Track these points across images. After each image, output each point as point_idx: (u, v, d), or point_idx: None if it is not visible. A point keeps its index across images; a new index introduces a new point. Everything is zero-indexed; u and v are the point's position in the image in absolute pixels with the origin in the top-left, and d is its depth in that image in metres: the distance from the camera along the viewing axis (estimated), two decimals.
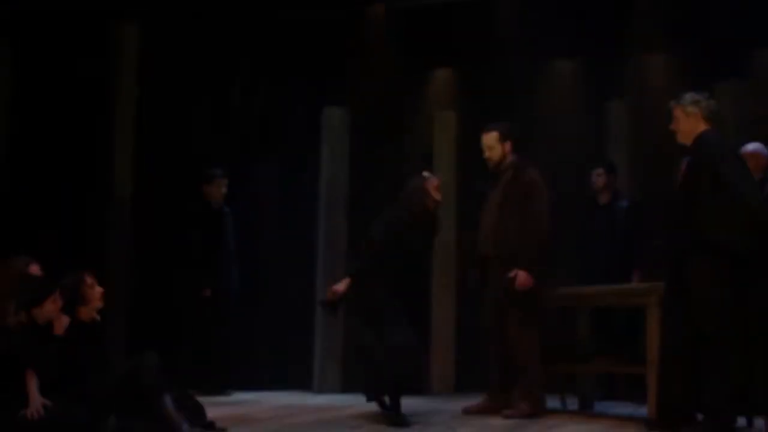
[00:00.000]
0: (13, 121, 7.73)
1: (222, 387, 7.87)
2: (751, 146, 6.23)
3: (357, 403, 6.83)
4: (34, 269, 5.72)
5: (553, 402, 6.96)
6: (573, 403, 7.07)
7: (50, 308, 5.33)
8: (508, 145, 6.50)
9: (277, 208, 9.60)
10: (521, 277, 6.21)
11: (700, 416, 5.29)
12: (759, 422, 5.61)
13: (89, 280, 5.59)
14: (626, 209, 7.51)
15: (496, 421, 6.14)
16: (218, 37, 9.27)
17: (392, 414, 5.88)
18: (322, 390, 8.46)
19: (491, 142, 6.51)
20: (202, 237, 7.92)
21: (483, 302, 6.51)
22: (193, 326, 7.84)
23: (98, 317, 5.71)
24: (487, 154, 6.51)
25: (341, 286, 6.20)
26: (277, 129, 9.63)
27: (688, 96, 5.44)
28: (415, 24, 9.81)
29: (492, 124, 6.63)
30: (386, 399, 6.06)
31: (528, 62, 9.51)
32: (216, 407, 6.17)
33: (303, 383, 8.72)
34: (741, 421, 5.48)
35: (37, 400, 5.03)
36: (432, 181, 6.23)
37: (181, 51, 8.81)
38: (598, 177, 7.67)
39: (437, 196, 6.18)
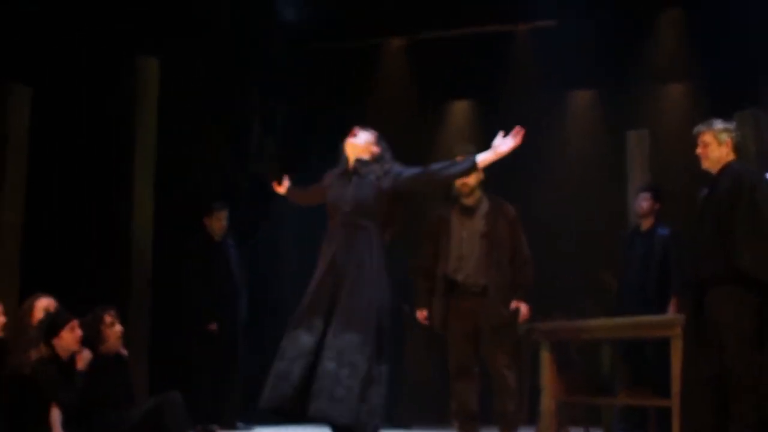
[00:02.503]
0: (34, 161, 7.77)
1: (233, 421, 7.84)
2: None
3: None
4: (45, 303, 5.72)
5: None
6: None
7: (68, 338, 5.35)
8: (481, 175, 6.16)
9: (296, 241, 9.60)
10: (524, 308, 6.10)
11: None
12: None
13: (108, 318, 5.60)
14: (666, 237, 7.33)
15: None
16: (236, 69, 9.33)
17: None
18: None
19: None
20: (204, 271, 7.90)
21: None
22: (202, 361, 7.82)
23: (124, 352, 5.71)
24: (466, 181, 6.07)
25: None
26: (297, 161, 9.66)
27: (720, 123, 5.32)
28: (434, 56, 9.85)
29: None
30: None
31: (546, 93, 9.52)
32: None
33: None
34: None
35: None
36: None
37: (200, 84, 8.86)
38: (644, 201, 7.42)
39: None
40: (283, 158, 9.69)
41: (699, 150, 5.37)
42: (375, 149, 5.41)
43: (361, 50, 10.14)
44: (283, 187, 5.79)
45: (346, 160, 5.45)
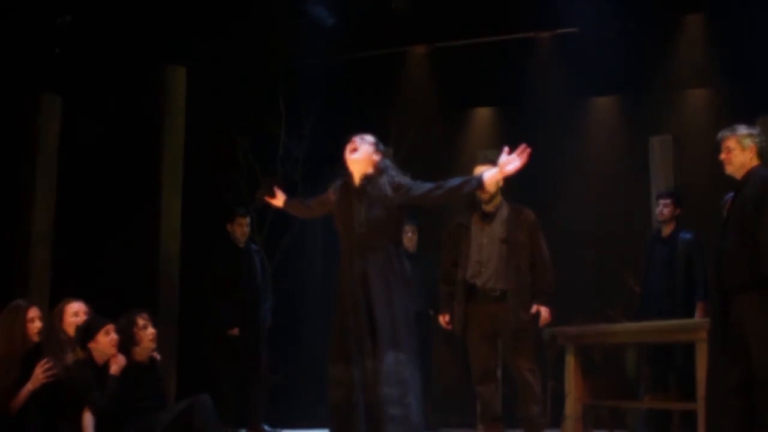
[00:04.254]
0: (64, 169, 7.87)
1: (260, 424, 7.89)
2: None
3: None
4: (75, 308, 5.80)
5: None
6: None
7: (104, 341, 5.41)
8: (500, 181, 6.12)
9: (322, 247, 9.66)
10: (545, 312, 6.12)
11: None
12: None
13: (141, 321, 5.65)
14: (689, 242, 7.33)
15: None
16: (263, 77, 9.40)
17: None
18: None
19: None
20: (227, 277, 7.95)
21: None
22: (227, 366, 7.88)
23: (158, 356, 5.77)
24: (490, 190, 6.11)
25: None
26: (321, 169, 9.72)
27: (743, 128, 5.33)
28: (457, 64, 9.89)
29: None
30: None
31: (569, 100, 9.53)
32: None
33: None
34: None
35: None
36: None
37: (227, 92, 8.94)
38: (665, 207, 7.44)
39: None
40: (308, 162, 9.75)
41: (722, 155, 5.36)
42: (376, 158, 5.37)
43: (384, 58, 10.19)
44: (278, 200, 5.73)
45: (351, 175, 5.39)
